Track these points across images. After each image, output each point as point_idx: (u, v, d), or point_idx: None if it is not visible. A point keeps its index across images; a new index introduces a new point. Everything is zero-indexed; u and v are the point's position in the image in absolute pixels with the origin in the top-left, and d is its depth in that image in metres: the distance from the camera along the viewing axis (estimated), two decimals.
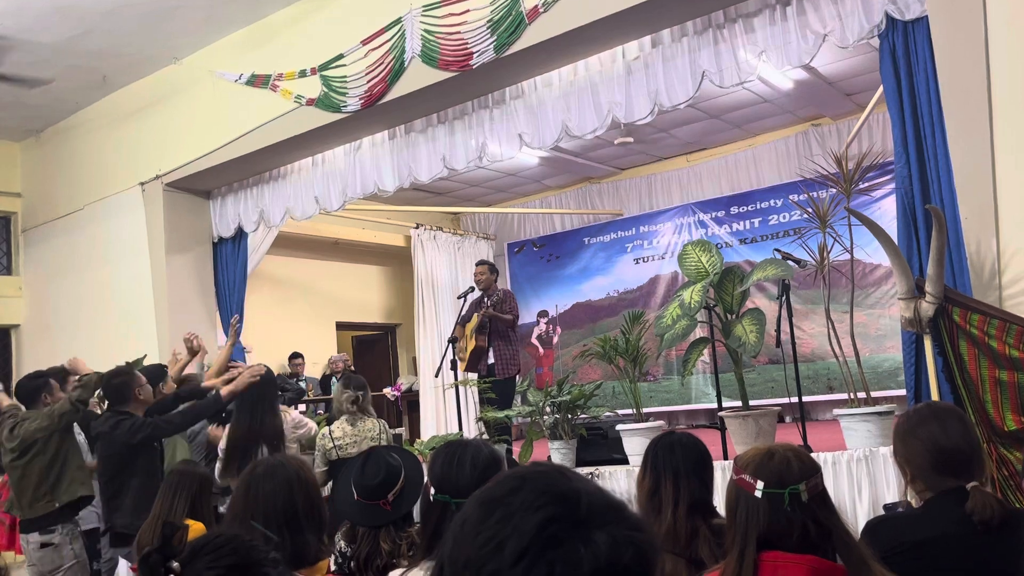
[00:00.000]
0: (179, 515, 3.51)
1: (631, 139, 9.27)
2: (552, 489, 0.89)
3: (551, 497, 0.88)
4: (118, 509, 4.43)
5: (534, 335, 10.88)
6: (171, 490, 3.60)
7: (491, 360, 7.13)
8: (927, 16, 4.48)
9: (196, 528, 3.62)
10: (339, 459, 4.74)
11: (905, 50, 4.73)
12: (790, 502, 1.73)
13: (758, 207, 9.47)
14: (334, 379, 9.58)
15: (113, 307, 8.03)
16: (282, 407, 5.00)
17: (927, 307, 3.59)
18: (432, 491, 2.04)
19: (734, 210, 9.62)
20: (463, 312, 7.28)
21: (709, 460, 2.50)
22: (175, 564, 1.15)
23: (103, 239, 8.19)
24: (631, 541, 0.86)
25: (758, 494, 1.75)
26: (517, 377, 7.41)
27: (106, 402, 4.72)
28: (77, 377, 5.09)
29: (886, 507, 3.80)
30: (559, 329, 10.76)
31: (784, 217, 9.17)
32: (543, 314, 10.90)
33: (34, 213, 8.98)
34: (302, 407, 8.46)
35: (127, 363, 6.05)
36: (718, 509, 2.40)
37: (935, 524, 2.06)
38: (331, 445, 4.81)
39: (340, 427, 4.88)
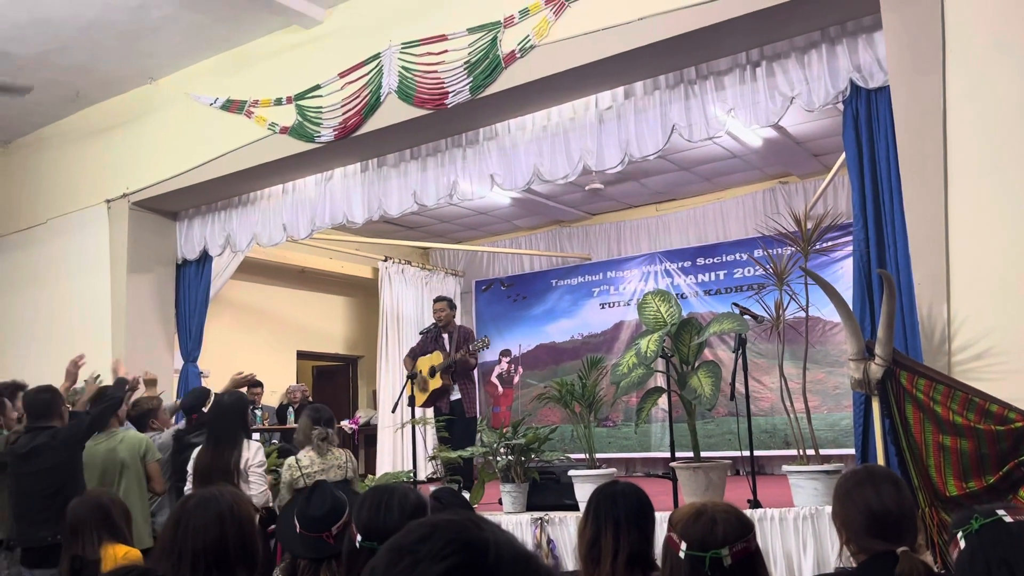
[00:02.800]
0: (92, 550, 3.40)
1: (602, 185, 9.39)
2: (460, 538, 0.89)
3: (458, 546, 0.87)
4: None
5: (494, 373, 10.85)
6: (72, 533, 3.48)
7: (455, 396, 7.09)
8: (889, 86, 4.61)
9: (133, 554, 3.54)
10: (306, 487, 4.66)
11: (868, 117, 4.88)
12: (711, 566, 1.73)
13: (724, 260, 9.59)
14: (290, 409, 9.46)
15: (70, 324, 7.88)
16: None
17: (876, 369, 3.65)
18: (358, 538, 2.02)
19: (700, 261, 9.74)
20: (417, 345, 7.27)
21: (650, 512, 2.50)
22: None
23: (64, 254, 8.07)
24: None
25: (681, 555, 1.75)
26: (478, 415, 7.39)
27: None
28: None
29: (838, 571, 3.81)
30: (521, 369, 10.74)
31: (748, 271, 9.29)
32: (505, 353, 10.88)
33: None
34: (256, 436, 8.33)
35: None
36: (659, 560, 2.40)
37: None
38: (299, 474, 4.69)
39: (308, 456, 4.76)
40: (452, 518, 0.93)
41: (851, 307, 4.35)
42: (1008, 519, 1.56)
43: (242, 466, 4.64)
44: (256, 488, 4.63)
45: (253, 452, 4.76)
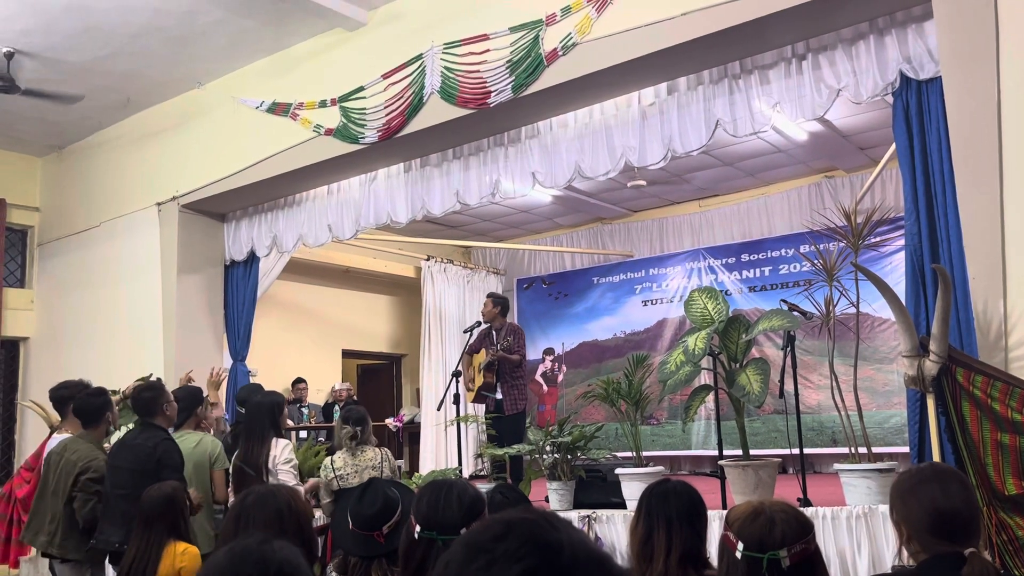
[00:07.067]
0: (159, 544, 3.49)
1: (644, 182, 9.35)
2: (536, 538, 0.89)
3: (534, 547, 0.88)
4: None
5: (539, 372, 10.86)
6: (144, 523, 3.55)
7: (499, 396, 7.13)
8: (941, 77, 4.52)
9: (192, 552, 3.61)
10: (340, 489, 4.78)
11: (918, 109, 4.78)
12: (768, 567, 1.71)
13: (768, 256, 9.49)
14: (336, 407, 9.56)
15: (122, 324, 8.07)
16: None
17: (931, 366, 3.58)
18: (417, 528, 2.05)
19: (744, 257, 9.64)
20: (471, 342, 7.29)
21: (703, 510, 2.49)
22: None
23: (117, 257, 8.27)
24: None
25: (738, 555, 1.73)
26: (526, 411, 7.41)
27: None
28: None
29: (896, 570, 3.75)
30: (564, 367, 10.74)
31: (794, 267, 9.18)
32: (549, 352, 10.89)
33: (51, 228, 9.09)
34: (303, 434, 8.45)
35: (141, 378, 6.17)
36: (712, 559, 2.39)
37: None
38: (332, 475, 4.84)
39: (341, 457, 4.93)
40: (527, 516, 0.93)
41: (904, 303, 4.28)
42: None
43: (270, 464, 4.72)
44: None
45: (280, 449, 4.84)
